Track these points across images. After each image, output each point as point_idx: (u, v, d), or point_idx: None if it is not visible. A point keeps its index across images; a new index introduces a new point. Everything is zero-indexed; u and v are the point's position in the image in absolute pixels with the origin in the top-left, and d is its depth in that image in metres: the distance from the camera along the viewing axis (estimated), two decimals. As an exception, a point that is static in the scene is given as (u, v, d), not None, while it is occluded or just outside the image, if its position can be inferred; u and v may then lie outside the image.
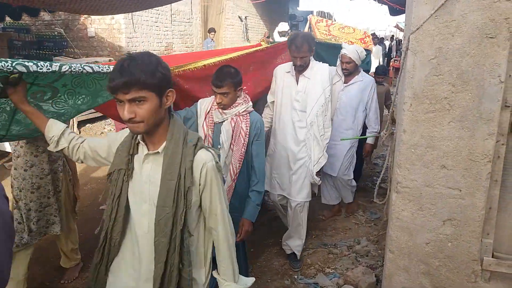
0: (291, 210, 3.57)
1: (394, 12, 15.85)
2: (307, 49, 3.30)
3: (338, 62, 4.41)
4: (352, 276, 3.35)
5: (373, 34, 18.51)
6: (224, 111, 2.72)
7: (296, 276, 3.58)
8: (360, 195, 5.26)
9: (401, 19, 20.39)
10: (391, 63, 12.41)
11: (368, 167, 6.21)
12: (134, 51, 7.63)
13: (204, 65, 3.09)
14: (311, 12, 21.53)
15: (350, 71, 4.33)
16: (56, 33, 10.01)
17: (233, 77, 2.64)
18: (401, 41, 14.94)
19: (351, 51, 4.23)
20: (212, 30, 11.45)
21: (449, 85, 2.25)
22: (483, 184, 2.32)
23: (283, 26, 10.62)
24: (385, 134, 3.21)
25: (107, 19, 9.74)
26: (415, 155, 2.42)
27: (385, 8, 16.72)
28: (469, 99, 2.24)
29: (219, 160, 1.79)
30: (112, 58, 9.01)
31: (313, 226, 4.40)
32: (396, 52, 16.10)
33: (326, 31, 6.28)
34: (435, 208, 2.45)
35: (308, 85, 3.41)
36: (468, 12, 2.14)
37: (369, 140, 4.56)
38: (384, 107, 5.86)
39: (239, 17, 14.59)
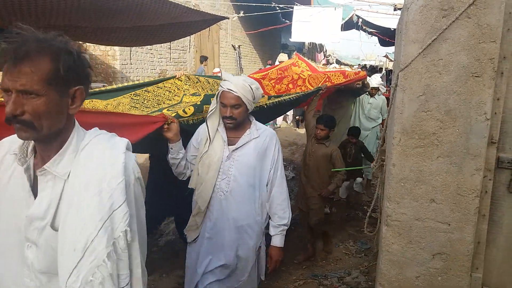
0: None
1: (384, 43, 16.31)
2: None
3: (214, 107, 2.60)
4: (343, 309, 3.32)
5: (364, 66, 18.93)
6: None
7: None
8: (351, 225, 5.27)
9: (390, 50, 20.93)
10: (383, 94, 12.62)
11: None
12: (128, 78, 7.70)
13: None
14: (303, 44, 22.05)
15: (237, 121, 2.52)
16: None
17: None
18: (391, 71, 15.27)
19: (238, 84, 2.44)
20: (204, 58, 11.62)
21: (437, 121, 2.32)
22: (471, 219, 2.35)
23: (283, 57, 10.92)
24: (375, 165, 3.26)
25: (102, 46, 9.85)
26: (404, 189, 2.45)
27: (375, 39, 17.20)
28: (456, 135, 2.30)
29: None
30: (106, 84, 9.07)
31: (304, 257, 4.37)
32: (386, 82, 16.41)
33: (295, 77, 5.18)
34: (424, 241, 2.46)
35: None
36: (454, 52, 2.23)
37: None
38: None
39: (233, 45, 14.86)
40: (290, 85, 4.79)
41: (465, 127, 2.28)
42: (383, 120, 6.58)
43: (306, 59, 5.94)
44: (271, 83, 4.80)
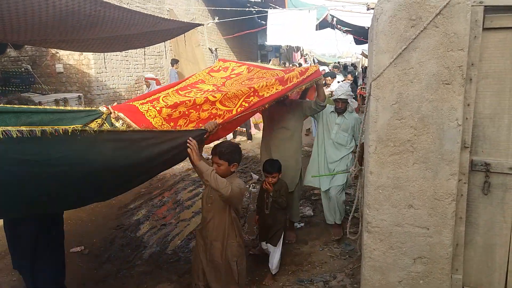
0: None
1: (358, 42, 16.51)
2: None
3: None
4: (329, 314, 3.34)
5: (339, 64, 19.11)
6: None
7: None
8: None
9: (366, 47, 21.20)
10: (358, 91, 12.75)
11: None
12: (104, 85, 7.62)
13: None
14: (280, 46, 22.15)
15: None
16: (23, 69, 9.85)
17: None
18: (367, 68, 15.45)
19: None
20: (174, 61, 11.54)
21: (411, 129, 2.36)
22: (449, 222, 2.41)
23: (275, 61, 11.11)
24: (354, 170, 3.29)
25: (75, 54, 9.68)
26: (382, 195, 2.49)
27: (350, 37, 17.38)
28: (430, 142, 2.34)
29: None
30: (81, 94, 8.92)
31: (289, 261, 4.39)
32: (363, 80, 16.60)
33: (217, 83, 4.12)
34: (405, 246, 2.51)
35: None
36: (424, 61, 2.27)
37: None
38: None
39: (210, 49, 14.81)
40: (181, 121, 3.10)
41: (439, 133, 2.32)
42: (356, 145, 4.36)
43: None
44: (162, 115, 3.00)
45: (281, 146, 4.47)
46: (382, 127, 2.41)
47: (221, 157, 2.96)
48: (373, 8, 2.54)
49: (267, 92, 3.57)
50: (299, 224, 5.26)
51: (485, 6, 2.24)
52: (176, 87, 3.85)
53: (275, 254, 3.96)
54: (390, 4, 2.28)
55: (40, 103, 6.53)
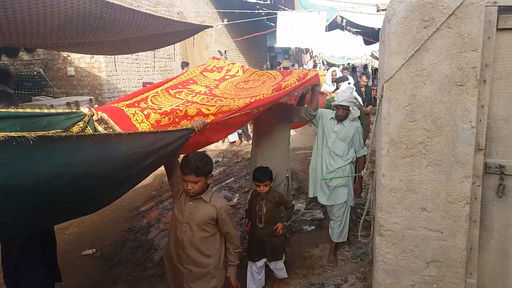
0: None
1: (368, 43, 16.44)
2: None
3: None
4: (341, 317, 3.32)
5: (348, 65, 18.99)
6: None
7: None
8: (345, 229, 5.27)
9: (376, 47, 21.10)
10: (372, 93, 12.68)
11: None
12: (115, 88, 7.64)
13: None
14: (289, 48, 22.14)
15: None
16: (35, 72, 9.97)
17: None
18: (377, 70, 15.36)
19: None
20: (185, 64, 11.59)
21: (424, 131, 2.33)
22: (462, 225, 2.37)
23: (286, 63, 11.22)
24: (366, 173, 3.27)
25: (87, 58, 9.77)
26: (395, 198, 2.46)
27: (359, 38, 17.31)
28: (444, 144, 2.31)
29: None
30: (92, 97, 9.00)
31: (300, 264, 4.37)
32: (373, 81, 16.51)
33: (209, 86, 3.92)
34: (418, 250, 2.48)
35: None
36: (437, 62, 2.25)
37: None
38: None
39: (219, 51, 14.85)
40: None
41: (452, 135, 2.29)
42: (359, 157, 4.29)
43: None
44: (150, 121, 2.77)
45: (266, 153, 4.20)
46: (394, 129, 2.38)
47: (198, 174, 2.60)
48: (383, 10, 2.52)
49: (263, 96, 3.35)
50: (309, 227, 5.24)
51: (499, 6, 2.21)
52: (166, 85, 3.60)
53: (282, 267, 3.76)
54: (402, 5, 2.26)
55: (52, 106, 6.59)
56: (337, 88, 7.38)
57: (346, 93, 4.20)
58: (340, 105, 4.15)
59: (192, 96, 3.39)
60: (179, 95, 3.42)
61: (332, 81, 8.78)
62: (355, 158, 4.31)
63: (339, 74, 9.11)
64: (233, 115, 3.02)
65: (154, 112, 2.79)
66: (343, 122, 4.23)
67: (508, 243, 2.47)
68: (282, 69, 13.49)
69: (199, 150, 3.02)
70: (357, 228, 3.57)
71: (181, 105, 3.16)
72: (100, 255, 4.53)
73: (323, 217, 5.56)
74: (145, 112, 2.78)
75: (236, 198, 6.40)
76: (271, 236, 3.60)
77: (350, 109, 4.16)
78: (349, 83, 7.04)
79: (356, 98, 4.46)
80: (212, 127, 2.95)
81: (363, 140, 4.38)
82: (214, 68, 4.22)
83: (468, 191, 2.33)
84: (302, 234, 5.05)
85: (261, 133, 4.25)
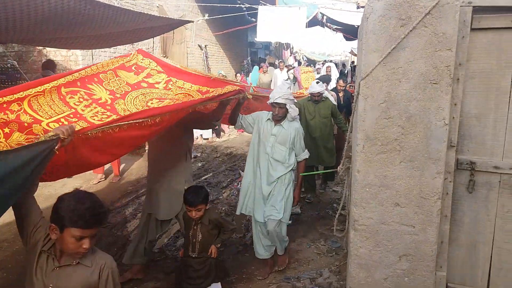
0: None
1: (348, 39, 16.59)
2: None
3: None
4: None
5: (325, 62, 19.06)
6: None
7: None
8: (321, 223, 5.33)
9: (355, 44, 21.30)
10: (347, 88, 12.77)
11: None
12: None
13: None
14: (270, 44, 22.11)
15: None
16: (9, 65, 9.70)
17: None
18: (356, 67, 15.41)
19: None
20: (164, 58, 11.49)
21: (398, 128, 2.38)
22: (434, 220, 2.43)
23: (271, 59, 11.06)
24: (342, 168, 3.31)
25: (63, 51, 9.53)
26: (369, 194, 2.51)
27: (340, 35, 17.43)
28: (417, 141, 2.36)
29: None
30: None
31: (276, 259, 4.40)
32: (352, 78, 16.67)
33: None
34: (391, 244, 2.53)
35: None
36: (413, 60, 2.29)
37: None
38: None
39: (199, 45, 14.72)
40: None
41: (426, 132, 2.35)
42: (300, 162, 3.86)
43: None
44: (10, 141, 1.96)
45: (162, 164, 3.74)
46: (370, 126, 2.42)
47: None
48: (363, 7, 2.54)
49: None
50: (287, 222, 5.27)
51: (474, 6, 2.27)
52: (62, 80, 2.63)
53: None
54: (380, 3, 2.29)
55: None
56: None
57: (282, 89, 3.68)
58: (275, 102, 3.61)
59: (84, 106, 2.56)
60: (70, 98, 2.57)
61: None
62: (295, 164, 3.83)
63: (334, 71, 9.08)
64: (118, 124, 2.32)
65: (20, 131, 1.98)
66: (281, 123, 3.72)
67: (477, 237, 2.55)
68: (268, 65, 13.51)
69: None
70: (333, 222, 3.61)
71: (62, 119, 2.31)
72: (74, 250, 4.45)
73: (300, 211, 5.61)
74: (6, 130, 1.95)
75: (215, 194, 6.39)
76: (204, 266, 3.11)
77: (288, 107, 3.66)
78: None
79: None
80: (88, 143, 2.25)
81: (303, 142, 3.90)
82: (134, 68, 3.34)
83: (440, 186, 2.39)
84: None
85: (155, 140, 3.68)
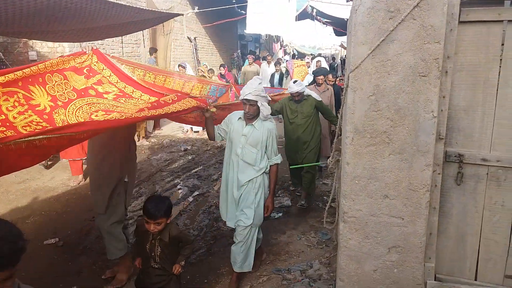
0: None
1: (338, 33, 16.61)
2: None
3: None
4: (306, 302, 3.39)
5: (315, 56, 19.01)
6: None
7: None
8: (311, 216, 5.36)
9: (345, 38, 21.31)
10: (337, 83, 12.79)
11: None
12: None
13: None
14: (260, 37, 22.04)
15: None
16: (-6, 56, 9.52)
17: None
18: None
19: None
20: (153, 50, 11.36)
21: (387, 120, 2.38)
22: (423, 212, 2.45)
23: (264, 53, 10.96)
24: (331, 161, 3.31)
25: (49, 42, 9.40)
26: (359, 186, 2.52)
27: (330, 29, 17.44)
28: (406, 133, 2.37)
29: None
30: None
31: (267, 251, 4.41)
32: (342, 72, 16.70)
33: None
34: (380, 236, 2.55)
35: None
36: (401, 53, 2.29)
37: None
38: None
39: (188, 37, 14.61)
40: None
41: (414, 124, 2.36)
42: (272, 166, 3.58)
43: (115, 61, 3.39)
44: None
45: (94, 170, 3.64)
46: (359, 119, 2.42)
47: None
48: (352, 0, 2.52)
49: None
50: (277, 214, 5.30)
51: (461, -1, 2.27)
52: (3, 78, 2.41)
53: None
54: (368, -5, 2.28)
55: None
56: (314, 81, 7.10)
57: (253, 84, 3.42)
58: (245, 99, 3.36)
59: (17, 112, 2.34)
60: (5, 101, 2.34)
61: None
62: (268, 168, 3.58)
63: (324, 65, 8.89)
64: (47, 136, 2.10)
65: None
66: (253, 123, 3.46)
67: (465, 229, 2.58)
68: (254, 57, 13.42)
69: None
70: (323, 214, 3.63)
71: None
72: (63, 244, 4.42)
73: (290, 204, 5.64)
74: None
75: (205, 187, 6.38)
76: (166, 278, 2.87)
77: (259, 105, 3.39)
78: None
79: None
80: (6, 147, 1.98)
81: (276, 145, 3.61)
82: (86, 71, 3.09)
83: (428, 179, 2.40)
84: (269, 221, 5.09)
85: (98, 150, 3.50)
